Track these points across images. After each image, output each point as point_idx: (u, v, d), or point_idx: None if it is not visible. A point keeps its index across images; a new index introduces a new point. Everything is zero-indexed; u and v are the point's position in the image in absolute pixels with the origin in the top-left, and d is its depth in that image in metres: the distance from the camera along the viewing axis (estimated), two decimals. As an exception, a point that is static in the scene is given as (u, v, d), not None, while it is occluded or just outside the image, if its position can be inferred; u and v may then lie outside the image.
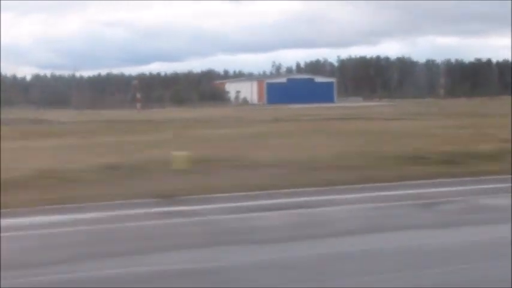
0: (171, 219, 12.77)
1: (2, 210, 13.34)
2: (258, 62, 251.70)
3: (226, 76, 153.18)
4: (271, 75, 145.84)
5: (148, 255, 10.04)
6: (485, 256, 9.72)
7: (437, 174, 18.14)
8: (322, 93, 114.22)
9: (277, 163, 21.10)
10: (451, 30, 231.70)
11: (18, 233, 12.04)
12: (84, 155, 25.03)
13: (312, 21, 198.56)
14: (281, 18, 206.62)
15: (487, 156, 22.06)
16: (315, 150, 25.41)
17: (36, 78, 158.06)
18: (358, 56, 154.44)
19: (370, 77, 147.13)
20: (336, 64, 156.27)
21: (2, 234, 11.24)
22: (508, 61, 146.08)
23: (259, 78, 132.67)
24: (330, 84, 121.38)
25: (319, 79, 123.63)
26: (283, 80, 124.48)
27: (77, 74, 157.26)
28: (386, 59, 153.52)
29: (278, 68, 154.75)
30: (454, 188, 15.80)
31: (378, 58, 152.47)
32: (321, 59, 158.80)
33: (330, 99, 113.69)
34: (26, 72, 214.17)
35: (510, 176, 18.00)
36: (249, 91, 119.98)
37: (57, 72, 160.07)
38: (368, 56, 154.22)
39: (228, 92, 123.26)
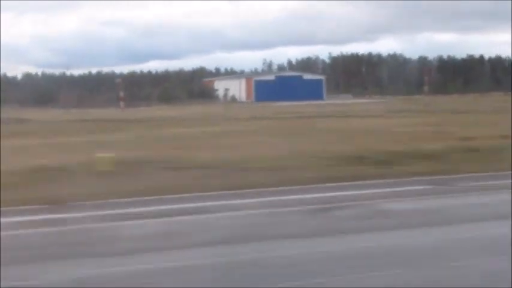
0: (45, 228, 12.02)
1: None
2: (256, 59, 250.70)
3: (217, 74, 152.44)
4: (263, 72, 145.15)
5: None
6: (351, 267, 8.95)
7: (365, 176, 17.34)
8: (311, 91, 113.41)
9: (209, 165, 20.39)
10: (449, 27, 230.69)
11: None
12: (26, 156, 24.40)
13: (310, 19, 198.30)
14: (280, 16, 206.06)
15: (429, 156, 21.33)
16: (262, 150, 24.74)
17: (28, 76, 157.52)
18: (349, 53, 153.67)
19: (362, 74, 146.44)
20: (328, 61, 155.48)
21: None
22: (500, 57, 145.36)
23: (248, 75, 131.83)
24: (319, 82, 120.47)
25: (308, 76, 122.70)
26: (272, 77, 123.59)
27: (68, 73, 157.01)
28: (379, 55, 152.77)
29: (269, 65, 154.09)
30: (366, 191, 14.97)
31: (370, 55, 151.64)
32: (312, 56, 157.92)
33: (319, 97, 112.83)
34: (23, 70, 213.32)
35: (439, 177, 17.28)
36: (237, 89, 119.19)
37: (48, 71, 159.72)
38: (360, 53, 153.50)
39: (216, 90, 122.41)
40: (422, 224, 11.45)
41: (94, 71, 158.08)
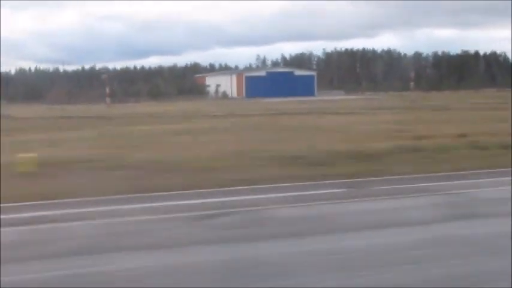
0: None
1: None
2: (254, 55, 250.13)
3: (212, 70, 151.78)
4: (257, 68, 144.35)
5: None
6: (192, 281, 8.22)
7: (287, 178, 16.51)
8: (302, 87, 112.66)
9: (139, 165, 19.65)
10: (449, 23, 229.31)
11: None
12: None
13: (309, 15, 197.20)
14: (279, 12, 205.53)
15: (369, 156, 20.52)
16: (207, 149, 24.00)
17: (21, 72, 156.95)
18: (343, 49, 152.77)
19: (356, 70, 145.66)
20: (322, 57, 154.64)
21: None
22: (495, 53, 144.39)
23: (240, 71, 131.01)
24: (310, 78, 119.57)
25: (299, 72, 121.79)
26: (263, 73, 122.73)
27: (61, 68, 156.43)
28: (373, 51, 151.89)
29: (263, 61, 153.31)
30: (270, 195, 14.06)
31: (364, 51, 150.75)
32: (306, 52, 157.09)
33: (311, 93, 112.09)
34: (21, 66, 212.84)
35: (364, 179, 16.52)
36: (228, 85, 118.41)
37: (42, 66, 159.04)
38: (355, 49, 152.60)
39: (208, 86, 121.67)
40: (297, 233, 10.65)
41: (91, 66, 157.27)
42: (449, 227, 11.00)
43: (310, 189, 15.10)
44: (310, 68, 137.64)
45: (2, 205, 13.26)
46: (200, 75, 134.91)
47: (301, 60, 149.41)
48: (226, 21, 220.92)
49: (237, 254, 9.48)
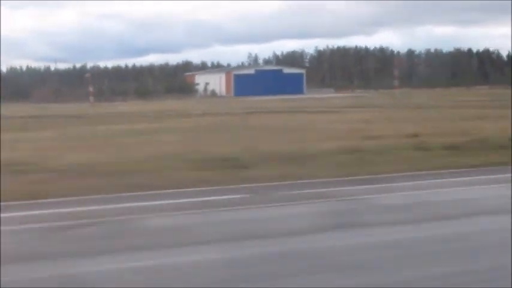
0: None
1: None
2: (253, 53, 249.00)
3: (204, 68, 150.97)
4: (248, 66, 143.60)
5: None
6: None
7: (199, 181, 15.71)
8: (291, 85, 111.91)
9: (61, 168, 18.92)
10: (449, 20, 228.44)
11: None
12: None
13: (307, 12, 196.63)
14: (277, 10, 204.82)
15: (303, 158, 19.80)
16: (147, 150, 23.25)
17: (12, 71, 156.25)
18: (335, 47, 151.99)
19: (348, 68, 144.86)
20: (315, 55, 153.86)
21: None
22: (488, 50, 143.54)
23: (229, 69, 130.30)
24: (299, 76, 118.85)
25: (288, 70, 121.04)
26: (252, 71, 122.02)
27: (52, 67, 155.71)
28: (366, 49, 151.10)
29: (255, 59, 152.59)
30: (159, 202, 13.35)
31: (356, 48, 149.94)
32: (298, 49, 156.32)
33: (299, 91, 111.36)
34: (13, 64, 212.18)
35: (276, 183, 15.76)
36: (217, 83, 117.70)
37: (34, 65, 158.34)
38: (347, 46, 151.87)
39: (197, 84, 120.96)
40: (150, 246, 9.89)
41: (90, 64, 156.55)
42: (316, 238, 10.17)
43: (213, 195, 14.33)
44: (302, 66, 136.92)
45: None
46: (190, 73, 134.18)
47: (293, 58, 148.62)
48: (224, 19, 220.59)
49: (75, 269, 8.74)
